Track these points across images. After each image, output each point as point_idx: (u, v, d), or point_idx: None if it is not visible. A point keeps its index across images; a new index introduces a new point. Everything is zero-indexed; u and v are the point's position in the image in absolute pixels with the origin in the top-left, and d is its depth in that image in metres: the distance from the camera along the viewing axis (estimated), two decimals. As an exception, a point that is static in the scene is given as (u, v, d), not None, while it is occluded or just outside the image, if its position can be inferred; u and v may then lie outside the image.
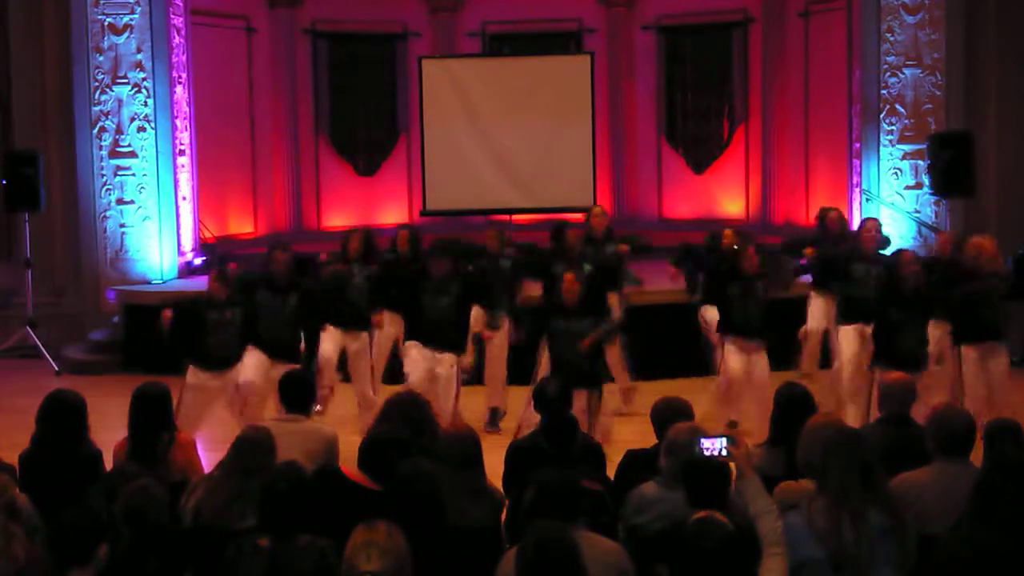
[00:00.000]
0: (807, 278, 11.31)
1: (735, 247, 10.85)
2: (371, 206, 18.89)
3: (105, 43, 14.44)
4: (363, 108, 18.87)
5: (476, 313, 10.58)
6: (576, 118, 15.59)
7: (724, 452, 4.95)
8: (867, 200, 14.52)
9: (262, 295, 9.89)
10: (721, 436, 5.02)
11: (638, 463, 6.27)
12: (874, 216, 11.89)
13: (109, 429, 7.19)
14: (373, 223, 18.75)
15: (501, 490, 6.26)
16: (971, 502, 4.89)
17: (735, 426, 10.29)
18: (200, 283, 14.46)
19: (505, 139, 15.74)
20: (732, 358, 10.12)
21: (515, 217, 16.44)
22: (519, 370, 10.57)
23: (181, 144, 14.96)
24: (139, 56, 14.48)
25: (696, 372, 11.69)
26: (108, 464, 6.64)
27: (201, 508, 5.59)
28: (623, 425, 10.31)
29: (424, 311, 9.99)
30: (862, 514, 4.77)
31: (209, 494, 5.63)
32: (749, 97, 18.23)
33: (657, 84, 18.90)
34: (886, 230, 14.26)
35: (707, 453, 4.99)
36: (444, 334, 9.98)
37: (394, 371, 10.92)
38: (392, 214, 18.96)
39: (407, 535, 4.42)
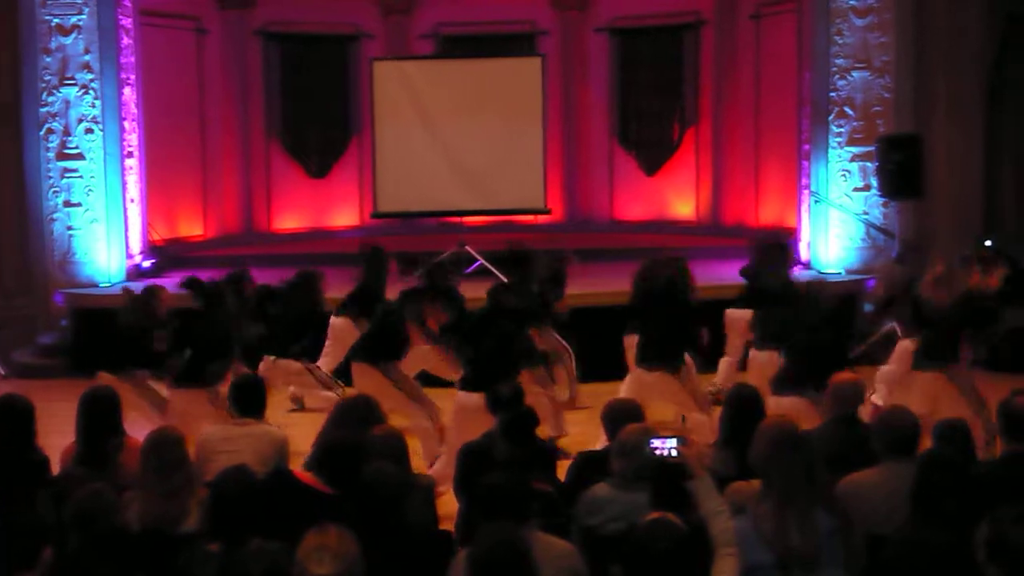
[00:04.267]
0: None
1: None
2: (323, 208, 18.84)
3: (53, 44, 14.30)
4: (315, 110, 18.81)
5: None
6: (528, 120, 15.59)
7: (675, 452, 4.97)
8: (816, 202, 14.61)
9: None
10: (672, 437, 5.04)
11: (590, 464, 6.28)
12: None
13: (57, 433, 7.13)
14: (324, 226, 18.74)
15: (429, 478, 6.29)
16: (913, 502, 4.93)
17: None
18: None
19: (457, 141, 15.72)
20: None
21: (466, 219, 16.45)
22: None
23: (129, 146, 14.82)
24: (87, 57, 14.35)
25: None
26: (56, 469, 6.58)
27: (143, 515, 5.55)
28: (576, 426, 10.34)
29: None
30: (808, 515, 4.80)
31: (145, 501, 5.60)
32: (700, 99, 18.32)
33: (609, 86, 18.96)
34: (835, 232, 14.44)
35: (658, 453, 5.00)
36: None
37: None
38: (344, 216, 18.92)
39: (363, 538, 4.41)
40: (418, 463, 8.34)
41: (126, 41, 14.79)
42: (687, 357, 10.07)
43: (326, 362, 11.29)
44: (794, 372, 8.74)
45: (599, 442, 7.84)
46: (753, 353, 10.41)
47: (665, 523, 4.50)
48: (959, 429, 6.02)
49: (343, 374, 10.69)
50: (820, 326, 9.07)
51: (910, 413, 5.85)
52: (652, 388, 9.71)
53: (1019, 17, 14.67)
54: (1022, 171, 15.08)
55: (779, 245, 11.99)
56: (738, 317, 11.42)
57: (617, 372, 10.91)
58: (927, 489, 4.90)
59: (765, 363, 9.83)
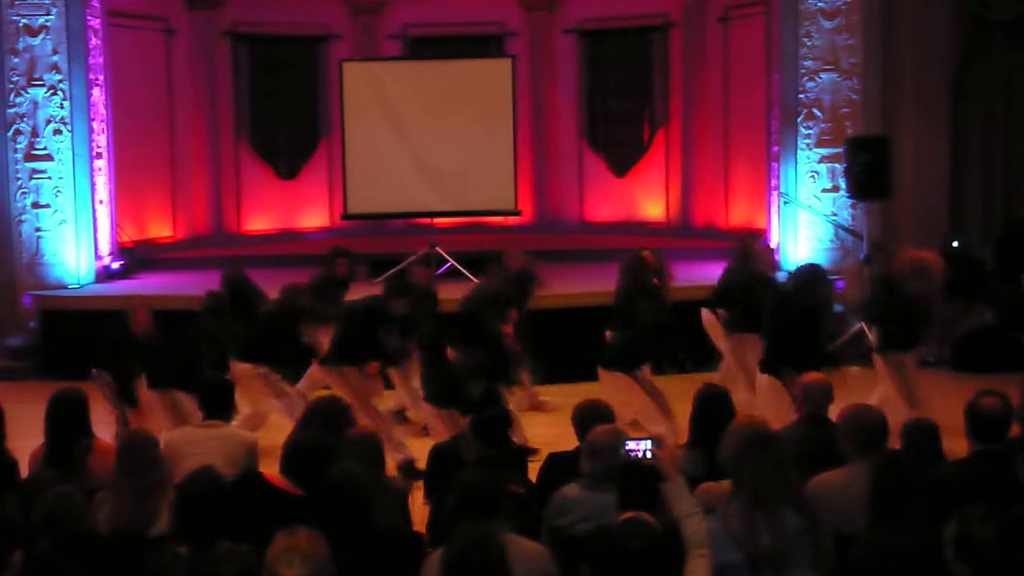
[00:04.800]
0: None
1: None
2: (292, 209, 18.79)
3: (20, 44, 14.22)
4: (284, 111, 18.76)
5: None
6: (498, 121, 15.59)
7: (649, 454, 4.98)
8: (785, 203, 14.67)
9: None
10: (646, 438, 5.05)
11: (560, 465, 6.30)
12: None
13: (25, 436, 7.10)
14: (294, 227, 18.70)
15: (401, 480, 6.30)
16: (871, 507, 4.95)
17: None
18: (117, 288, 14.33)
19: (427, 142, 15.71)
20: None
21: (437, 220, 16.43)
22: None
23: (98, 147, 14.76)
24: (55, 58, 14.28)
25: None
26: (24, 471, 6.55)
27: (113, 518, 5.53)
28: (545, 427, 10.36)
29: None
30: (777, 515, 4.81)
31: (116, 504, 5.57)
32: (669, 101, 18.36)
33: (578, 88, 18.99)
34: (804, 233, 14.52)
35: (632, 455, 5.01)
36: None
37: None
38: (313, 217, 18.88)
39: (331, 540, 4.41)
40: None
41: (94, 42, 14.72)
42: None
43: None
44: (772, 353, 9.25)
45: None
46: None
47: (640, 523, 4.51)
48: (926, 429, 6.05)
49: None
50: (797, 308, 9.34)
51: (877, 411, 5.89)
52: (609, 385, 9.82)
53: (985, 19, 14.79)
54: (988, 172, 15.19)
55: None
56: (711, 317, 11.50)
57: (587, 374, 10.96)
58: (884, 494, 4.93)
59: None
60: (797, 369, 8.02)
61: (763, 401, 9.31)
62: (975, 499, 4.56)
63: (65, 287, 14.30)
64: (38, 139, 14.30)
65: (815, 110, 14.49)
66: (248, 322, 10.49)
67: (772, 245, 11.04)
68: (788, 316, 9.34)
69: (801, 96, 14.55)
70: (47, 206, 14.37)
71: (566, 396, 10.20)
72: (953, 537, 4.29)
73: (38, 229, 14.37)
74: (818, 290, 9.64)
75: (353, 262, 11.99)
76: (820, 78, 14.47)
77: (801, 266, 10.58)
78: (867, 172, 13.44)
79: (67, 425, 6.53)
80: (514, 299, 11.06)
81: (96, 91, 14.74)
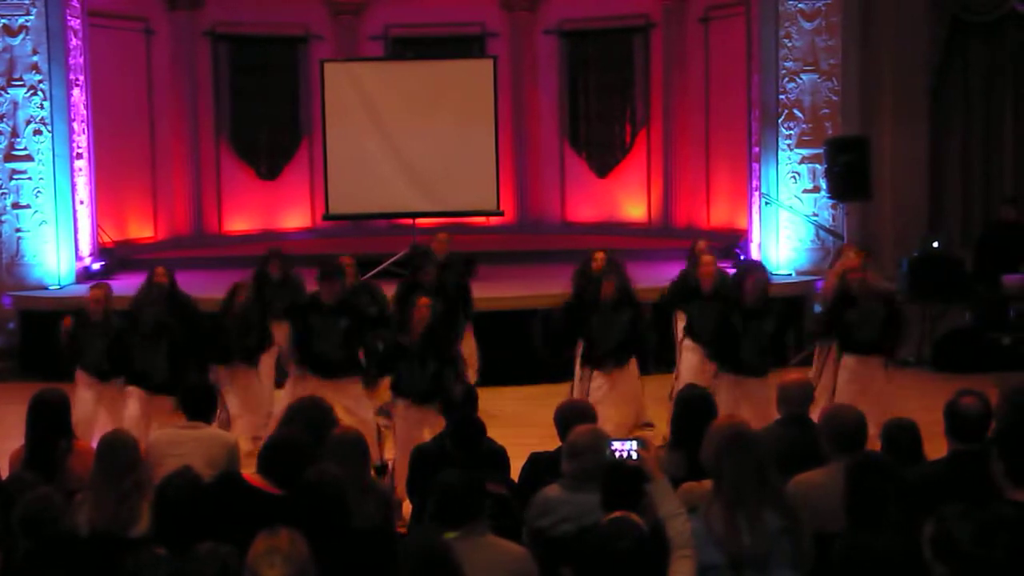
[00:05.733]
0: None
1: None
2: (273, 210, 18.77)
3: (0, 45, 14.18)
4: (265, 111, 18.74)
5: None
6: (479, 122, 15.59)
7: (634, 455, 4.98)
8: (766, 204, 14.70)
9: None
10: (632, 439, 5.05)
11: (542, 466, 6.29)
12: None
13: (6, 437, 7.08)
14: (275, 227, 18.67)
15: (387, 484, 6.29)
16: (853, 507, 4.96)
17: (651, 426, 10.70)
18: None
19: (408, 143, 15.69)
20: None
21: (419, 221, 16.42)
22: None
23: (79, 147, 14.72)
24: (35, 58, 14.24)
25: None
26: (4, 473, 6.53)
27: (93, 519, 5.52)
28: (526, 428, 10.35)
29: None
30: (758, 515, 4.82)
31: (96, 505, 5.56)
32: (651, 102, 18.39)
33: (560, 88, 19.01)
34: (785, 233, 14.57)
35: (617, 455, 5.01)
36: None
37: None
38: (295, 218, 18.86)
39: (309, 540, 4.40)
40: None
41: (74, 42, 14.68)
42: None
43: None
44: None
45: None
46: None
47: (627, 522, 4.50)
48: (907, 429, 6.06)
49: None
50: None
51: (855, 411, 5.90)
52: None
53: (964, 21, 14.84)
54: (967, 173, 15.25)
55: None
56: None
57: (567, 374, 10.98)
58: (858, 495, 4.94)
59: None
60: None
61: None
62: (954, 499, 4.57)
63: (45, 288, 14.26)
64: (18, 139, 14.27)
65: (795, 111, 14.53)
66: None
67: (710, 252, 11.11)
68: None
69: (782, 97, 14.59)
70: (27, 207, 14.33)
71: (551, 397, 10.23)
72: (931, 536, 4.30)
73: (18, 230, 14.33)
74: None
75: (286, 264, 11.78)
76: (800, 79, 14.51)
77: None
78: (847, 173, 13.48)
79: (48, 426, 6.50)
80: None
81: (76, 91, 14.70)
